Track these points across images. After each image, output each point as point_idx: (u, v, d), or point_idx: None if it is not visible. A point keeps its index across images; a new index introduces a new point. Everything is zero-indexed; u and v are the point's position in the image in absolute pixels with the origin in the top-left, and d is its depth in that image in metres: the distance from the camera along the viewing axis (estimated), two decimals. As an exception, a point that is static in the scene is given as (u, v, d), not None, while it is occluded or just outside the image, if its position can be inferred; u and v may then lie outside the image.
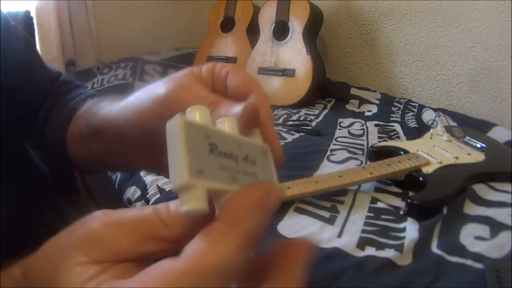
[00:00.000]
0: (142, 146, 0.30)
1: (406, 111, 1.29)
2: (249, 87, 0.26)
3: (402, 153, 0.84)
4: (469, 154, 0.83)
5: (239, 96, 0.26)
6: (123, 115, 0.30)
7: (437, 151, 0.84)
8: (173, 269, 0.16)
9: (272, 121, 0.25)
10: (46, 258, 0.20)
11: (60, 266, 0.19)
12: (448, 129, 0.97)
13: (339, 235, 0.61)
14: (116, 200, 0.78)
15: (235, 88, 0.26)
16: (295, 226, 0.63)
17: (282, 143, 1.01)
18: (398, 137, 1.06)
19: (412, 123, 1.18)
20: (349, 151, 0.94)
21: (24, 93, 0.44)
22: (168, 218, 0.19)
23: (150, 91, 0.27)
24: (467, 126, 1.05)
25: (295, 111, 1.32)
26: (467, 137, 0.92)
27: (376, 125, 1.16)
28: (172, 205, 0.20)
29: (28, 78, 0.44)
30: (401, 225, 0.64)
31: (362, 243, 0.59)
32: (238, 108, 0.23)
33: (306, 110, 1.33)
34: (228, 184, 0.18)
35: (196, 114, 0.19)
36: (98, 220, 0.19)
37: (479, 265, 0.54)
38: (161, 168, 0.31)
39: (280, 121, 1.23)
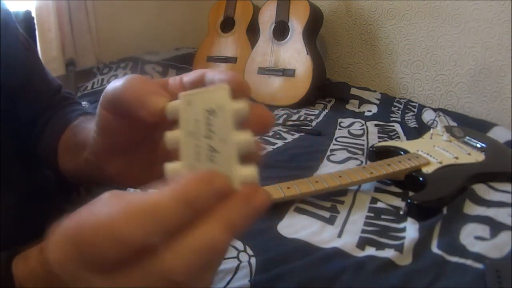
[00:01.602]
0: (106, 149, 0.31)
1: (406, 111, 1.29)
2: (203, 70, 0.27)
3: (402, 153, 0.84)
4: (469, 154, 0.83)
5: (195, 79, 0.27)
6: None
7: (437, 151, 0.84)
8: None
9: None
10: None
11: None
12: (448, 129, 0.97)
13: (339, 235, 0.61)
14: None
15: (191, 78, 0.27)
16: (295, 226, 0.63)
17: (282, 143, 1.01)
18: (398, 137, 1.07)
19: (412, 123, 1.18)
20: (349, 151, 0.94)
21: (25, 98, 0.44)
22: None
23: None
24: (467, 126, 1.05)
25: (295, 111, 1.32)
26: (467, 137, 0.92)
27: (376, 125, 1.16)
28: None
29: (28, 83, 0.45)
30: (401, 225, 0.64)
31: (362, 243, 0.59)
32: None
33: (306, 110, 1.33)
34: (183, 127, 0.22)
35: (237, 103, 0.22)
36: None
37: (479, 265, 0.54)
38: (134, 183, 0.33)
39: (280, 121, 1.23)
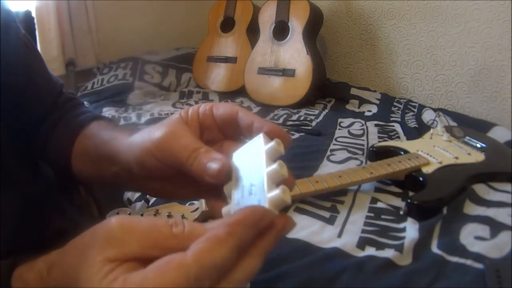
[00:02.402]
0: (144, 176, 0.34)
1: (406, 111, 1.29)
2: (234, 108, 0.31)
3: (402, 153, 0.84)
4: (469, 154, 0.83)
5: (227, 117, 0.32)
6: (130, 151, 0.34)
7: (437, 151, 0.84)
8: (183, 261, 0.21)
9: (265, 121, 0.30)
10: (69, 255, 0.24)
11: (80, 263, 0.22)
12: (448, 129, 0.97)
13: (339, 235, 0.61)
14: (116, 200, 0.78)
15: (222, 114, 0.32)
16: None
17: (282, 143, 1.01)
18: (398, 137, 1.06)
19: (412, 123, 1.18)
20: (349, 151, 0.94)
21: (26, 98, 0.44)
22: (181, 233, 0.23)
23: (149, 134, 0.32)
24: (467, 126, 1.05)
25: (295, 111, 1.32)
26: (467, 137, 0.92)
27: (376, 125, 1.16)
28: (188, 223, 0.24)
29: (29, 83, 0.45)
30: (401, 225, 0.64)
31: (362, 243, 0.59)
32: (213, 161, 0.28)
33: (306, 110, 1.33)
34: (233, 176, 0.27)
35: (270, 144, 0.26)
36: (116, 223, 0.23)
37: (479, 265, 0.54)
38: (162, 195, 0.37)
39: (280, 121, 1.23)
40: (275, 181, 0.24)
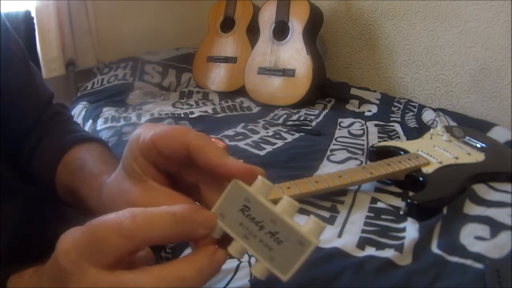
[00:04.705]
0: None
1: (406, 111, 1.29)
2: (182, 143, 0.26)
3: (402, 153, 0.84)
4: (469, 154, 0.83)
5: (175, 155, 0.27)
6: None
7: (437, 151, 0.84)
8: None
9: (224, 153, 0.25)
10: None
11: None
12: (448, 129, 0.97)
13: (339, 235, 0.61)
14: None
15: (169, 153, 0.27)
16: (295, 226, 0.62)
17: (282, 143, 1.01)
18: (398, 137, 1.07)
19: (412, 123, 1.18)
20: (349, 151, 0.94)
21: (12, 108, 0.43)
22: None
23: (123, 194, 0.29)
24: (467, 126, 1.05)
25: (295, 111, 1.32)
26: (467, 137, 0.92)
27: (376, 125, 1.16)
28: None
29: (15, 95, 0.44)
30: (401, 225, 0.64)
31: (362, 243, 0.59)
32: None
33: (306, 110, 1.33)
34: (237, 236, 0.23)
35: (255, 184, 0.24)
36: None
37: (479, 265, 0.54)
38: None
39: (280, 121, 1.23)
40: (293, 215, 0.23)
